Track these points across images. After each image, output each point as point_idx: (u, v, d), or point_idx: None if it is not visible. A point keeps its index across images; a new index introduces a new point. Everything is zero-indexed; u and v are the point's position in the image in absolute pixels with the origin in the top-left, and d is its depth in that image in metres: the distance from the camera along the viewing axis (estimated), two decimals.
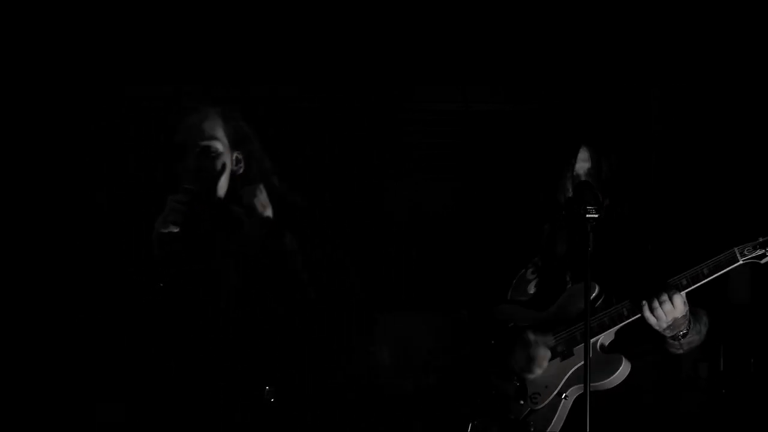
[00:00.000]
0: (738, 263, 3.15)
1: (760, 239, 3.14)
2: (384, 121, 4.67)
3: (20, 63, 4.28)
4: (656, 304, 3.13)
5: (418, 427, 3.75)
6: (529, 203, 3.53)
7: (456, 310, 3.53)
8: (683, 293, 3.16)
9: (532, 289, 3.44)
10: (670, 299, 3.12)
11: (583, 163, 3.40)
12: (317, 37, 4.48)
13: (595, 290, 3.23)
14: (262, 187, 2.74)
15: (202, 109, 2.83)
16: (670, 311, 3.12)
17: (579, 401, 3.28)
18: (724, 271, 3.15)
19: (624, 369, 3.23)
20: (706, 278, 3.15)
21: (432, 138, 4.74)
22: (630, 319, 3.22)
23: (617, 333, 3.28)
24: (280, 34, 4.46)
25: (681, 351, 3.29)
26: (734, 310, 4.24)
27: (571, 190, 3.36)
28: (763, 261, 3.14)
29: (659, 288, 3.14)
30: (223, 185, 2.80)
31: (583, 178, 3.37)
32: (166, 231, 2.61)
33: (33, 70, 4.29)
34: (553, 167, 3.43)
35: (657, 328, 3.17)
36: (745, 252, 3.14)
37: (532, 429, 3.26)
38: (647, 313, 3.15)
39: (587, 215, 3.02)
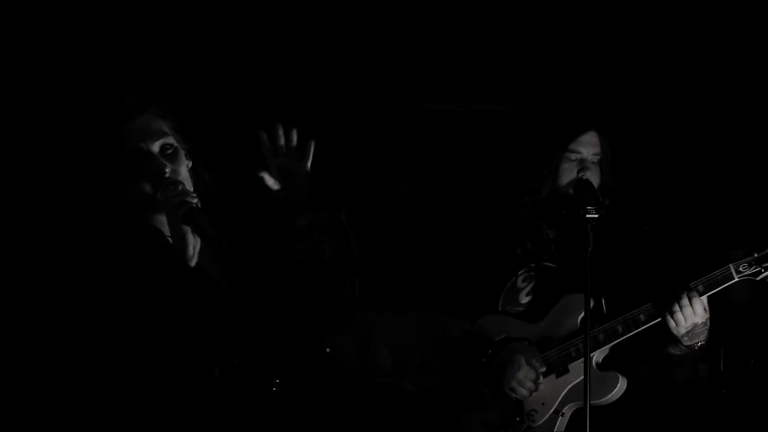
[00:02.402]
0: (734, 281, 3.10)
1: (756, 255, 3.08)
2: (384, 121, 4.67)
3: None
4: (676, 307, 3.07)
5: (418, 427, 3.75)
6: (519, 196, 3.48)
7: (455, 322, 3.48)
8: (704, 298, 3.10)
9: (524, 299, 3.39)
10: (690, 302, 3.07)
11: (591, 148, 3.34)
12: (317, 37, 4.48)
13: (590, 303, 3.16)
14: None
15: (143, 112, 2.81)
16: (690, 316, 3.07)
17: (576, 416, 3.27)
18: (720, 288, 3.10)
19: (621, 386, 3.20)
20: (701, 295, 3.11)
21: (432, 138, 4.74)
22: (625, 336, 3.17)
23: (611, 348, 3.26)
24: (279, 33, 4.46)
25: (682, 353, 3.25)
26: (734, 310, 4.23)
27: (573, 172, 3.31)
28: (759, 278, 3.10)
29: (680, 290, 3.08)
30: (187, 177, 2.80)
31: (589, 163, 3.34)
32: (190, 205, 2.57)
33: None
34: (548, 145, 3.38)
35: (675, 332, 3.11)
36: (741, 269, 3.09)
37: None
38: (667, 317, 3.09)
39: (587, 215, 3.00)
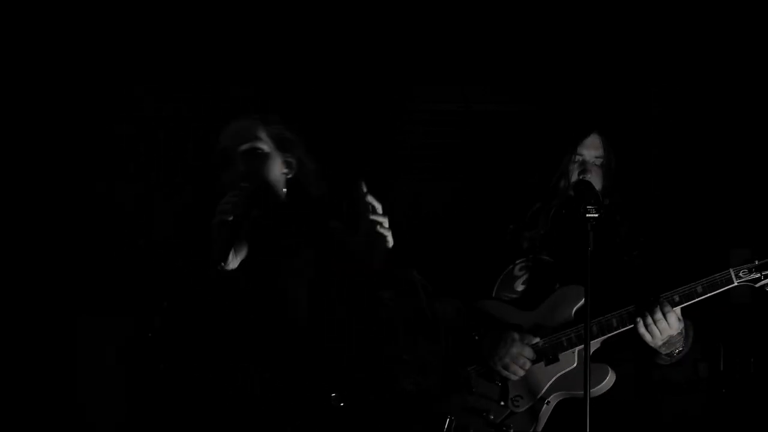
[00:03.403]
0: (733, 285, 3.11)
1: (757, 262, 3.10)
2: (384, 121, 4.67)
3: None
4: (650, 320, 3.10)
5: (418, 427, 3.74)
6: (520, 193, 3.50)
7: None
8: (677, 309, 3.12)
9: (519, 287, 3.41)
10: (665, 317, 3.09)
11: (593, 151, 3.36)
12: (317, 37, 4.48)
13: (581, 298, 3.18)
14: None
15: (241, 117, 2.86)
16: (665, 329, 3.10)
17: (560, 406, 3.27)
18: (719, 291, 3.12)
19: (610, 379, 3.21)
20: (700, 297, 3.12)
21: (432, 138, 4.74)
22: (619, 331, 3.19)
23: (603, 342, 3.26)
24: (279, 33, 4.46)
25: (668, 362, 3.26)
26: (734, 310, 4.23)
27: (575, 174, 3.33)
28: (758, 285, 3.11)
29: (654, 304, 3.10)
30: (278, 184, 2.82)
31: (591, 165, 3.34)
32: (216, 220, 2.62)
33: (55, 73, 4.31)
34: (555, 149, 3.39)
35: (652, 345, 3.14)
36: (741, 274, 3.10)
37: None
38: (642, 330, 3.12)
39: (587, 215, 3.00)
